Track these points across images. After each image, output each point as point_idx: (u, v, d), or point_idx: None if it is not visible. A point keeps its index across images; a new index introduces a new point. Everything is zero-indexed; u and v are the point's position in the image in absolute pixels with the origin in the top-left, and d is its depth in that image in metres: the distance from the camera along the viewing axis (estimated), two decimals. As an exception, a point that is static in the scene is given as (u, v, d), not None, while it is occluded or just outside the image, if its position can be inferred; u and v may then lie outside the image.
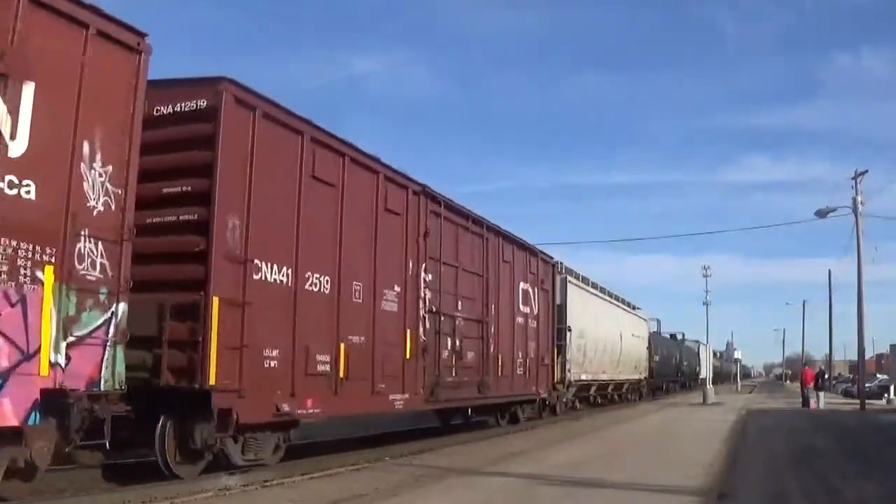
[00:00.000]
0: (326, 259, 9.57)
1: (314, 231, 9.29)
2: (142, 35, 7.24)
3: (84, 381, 6.51)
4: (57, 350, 6.21)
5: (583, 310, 23.27)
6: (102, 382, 6.66)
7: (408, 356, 11.37)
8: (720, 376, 77.62)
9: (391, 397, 10.93)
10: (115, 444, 8.01)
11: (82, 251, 6.52)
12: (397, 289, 11.21)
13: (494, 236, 15.37)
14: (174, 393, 7.79)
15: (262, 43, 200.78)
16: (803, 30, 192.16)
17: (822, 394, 31.09)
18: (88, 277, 6.56)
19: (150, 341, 7.71)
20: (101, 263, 6.70)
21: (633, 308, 34.49)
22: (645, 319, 36.78)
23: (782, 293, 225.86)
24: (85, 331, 6.50)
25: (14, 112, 5.98)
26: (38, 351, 6.04)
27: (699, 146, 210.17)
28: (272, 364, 8.44)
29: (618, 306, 30.67)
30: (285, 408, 8.59)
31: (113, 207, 6.87)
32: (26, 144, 6.07)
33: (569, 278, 22.28)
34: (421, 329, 11.86)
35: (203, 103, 8.12)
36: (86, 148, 6.64)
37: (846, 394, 44.44)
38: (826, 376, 40.67)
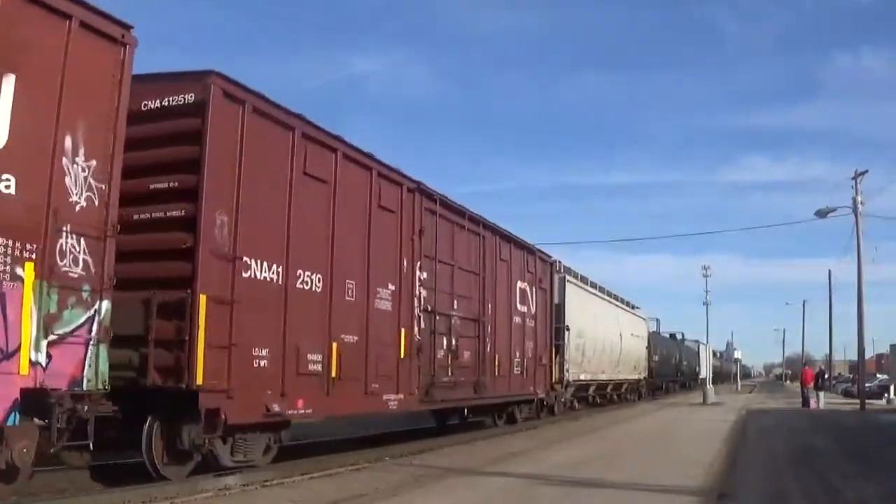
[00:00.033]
0: (318, 257, 9.40)
1: (306, 228, 9.13)
2: (127, 27, 7.09)
3: (66, 381, 6.36)
4: (37, 349, 6.06)
5: (581, 309, 23.11)
6: (85, 382, 6.52)
7: (402, 356, 11.21)
8: (720, 376, 77.52)
9: (385, 397, 10.77)
10: (103, 445, 7.91)
11: (64, 247, 6.37)
12: (391, 287, 11.05)
13: (491, 235, 15.21)
14: (161, 393, 7.63)
15: (262, 43, 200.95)
16: (803, 30, 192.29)
17: (822, 394, 31.03)
18: (70, 274, 6.41)
19: (136, 340, 7.57)
20: (84, 260, 6.55)
21: (633, 307, 34.32)
22: (644, 319, 36.61)
23: (782, 293, 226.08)
24: (67, 329, 6.35)
25: (-7, 104, 5.84)
26: (17, 349, 5.89)
27: (699, 146, 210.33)
28: (262, 363, 8.28)
29: (617, 306, 30.51)
30: (275, 408, 8.42)
31: (96, 203, 6.72)
32: (6, 138, 5.93)
33: (567, 277, 22.10)
34: (416, 328, 11.70)
35: (191, 97, 7.97)
36: (68, 142, 6.49)
37: (846, 394, 44.35)
38: (826, 376, 40.60)
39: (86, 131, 6.66)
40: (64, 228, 6.36)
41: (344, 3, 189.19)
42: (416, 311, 11.79)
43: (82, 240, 6.53)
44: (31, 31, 6.18)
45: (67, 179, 6.47)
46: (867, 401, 28.78)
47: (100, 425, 7.42)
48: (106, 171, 6.83)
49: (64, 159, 6.44)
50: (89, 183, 6.67)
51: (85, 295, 6.54)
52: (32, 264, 6.03)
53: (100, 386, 6.62)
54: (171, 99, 8.09)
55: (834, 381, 53.59)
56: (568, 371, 21.06)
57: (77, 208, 6.53)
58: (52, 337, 6.18)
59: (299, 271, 8.99)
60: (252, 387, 8.11)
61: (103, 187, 6.79)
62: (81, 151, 6.61)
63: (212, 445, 8.00)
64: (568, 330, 21.18)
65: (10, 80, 5.99)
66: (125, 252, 7.52)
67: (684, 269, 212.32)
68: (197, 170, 7.76)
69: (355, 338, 10.02)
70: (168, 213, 7.86)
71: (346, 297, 9.93)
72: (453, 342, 13.04)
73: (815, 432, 17.45)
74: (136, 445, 7.85)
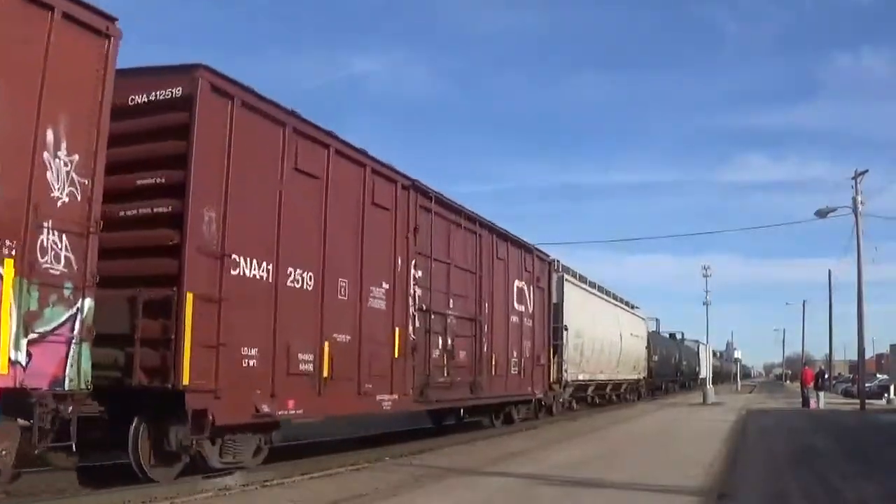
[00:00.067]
0: (310, 254, 9.24)
1: (297, 225, 8.97)
2: (111, 19, 6.94)
3: (47, 381, 6.20)
4: (17, 347, 5.90)
5: (580, 309, 22.93)
6: (67, 382, 6.35)
7: (396, 355, 11.04)
8: (720, 376, 77.40)
9: (379, 398, 10.60)
10: (90, 446, 7.78)
11: (45, 244, 6.21)
12: (385, 286, 10.89)
13: (488, 233, 15.05)
14: (148, 393, 7.48)
15: (262, 43, 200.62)
16: (803, 30, 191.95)
17: (822, 394, 30.97)
18: (52, 271, 6.25)
19: (122, 339, 7.42)
20: (66, 257, 6.40)
21: (632, 307, 34.15)
22: (644, 319, 36.44)
23: (782, 293, 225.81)
24: (48, 327, 6.19)
25: (-29, 97, 5.69)
26: (-5, 348, 5.72)
27: (699, 146, 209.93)
28: (251, 363, 8.11)
29: (616, 305, 30.35)
30: (265, 409, 8.26)
31: (79, 198, 6.56)
32: (-16, 131, 5.77)
33: (565, 276, 21.92)
34: (410, 327, 11.54)
35: (178, 91, 7.80)
36: (50, 136, 6.34)
37: (846, 394, 44.25)
38: (826, 376, 40.51)
39: (68, 125, 6.51)
40: (45, 224, 6.20)
41: (344, 3, 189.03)
42: (411, 309, 11.63)
43: (64, 236, 6.38)
44: (12, 23, 6.03)
45: (49, 174, 6.31)
46: (867, 401, 28.72)
47: (86, 426, 7.34)
48: (89, 165, 6.67)
49: (45, 154, 6.28)
50: (72, 178, 6.51)
51: (67, 292, 6.38)
52: (12, 261, 5.88)
53: (82, 386, 6.46)
54: (158, 93, 7.92)
55: (834, 381, 53.49)
56: (566, 371, 20.88)
57: (59, 204, 6.37)
58: (32, 335, 6.02)
59: (290, 269, 8.82)
60: (241, 387, 7.94)
61: (86, 182, 6.63)
62: (63, 146, 6.45)
63: (200, 446, 7.83)
64: (566, 329, 21.00)
65: (-11, 73, 5.84)
66: (111, 249, 7.38)
67: (684, 269, 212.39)
68: (184, 165, 7.59)
69: (348, 337, 9.86)
70: (155, 210, 7.69)
71: (339, 296, 9.76)
72: (449, 342, 12.88)
73: (815, 432, 17.41)
74: (123, 446, 7.70)
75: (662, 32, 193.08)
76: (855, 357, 38.39)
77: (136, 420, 7.61)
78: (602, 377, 26.25)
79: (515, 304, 16.40)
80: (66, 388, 6.34)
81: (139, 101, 8.00)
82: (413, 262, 11.72)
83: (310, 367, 9.04)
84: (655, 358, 37.87)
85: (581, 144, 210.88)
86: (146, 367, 7.35)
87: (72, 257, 6.43)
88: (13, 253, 5.89)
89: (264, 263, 8.42)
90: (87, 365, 6.51)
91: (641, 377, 34.25)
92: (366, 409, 10.60)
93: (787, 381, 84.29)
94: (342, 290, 9.83)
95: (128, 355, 7.39)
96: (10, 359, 5.83)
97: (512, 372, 16.03)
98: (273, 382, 8.40)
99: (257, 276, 8.31)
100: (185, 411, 7.36)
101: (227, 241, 7.87)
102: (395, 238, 11.26)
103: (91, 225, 6.60)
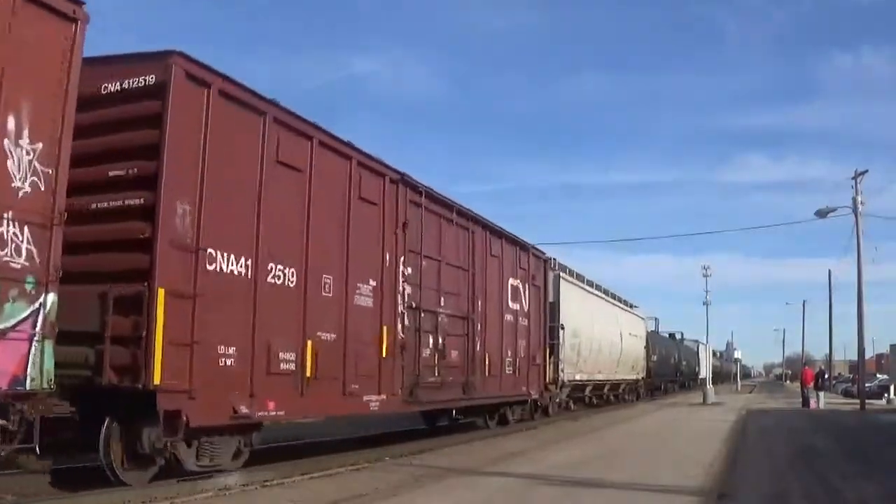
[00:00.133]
0: (292, 250, 8.92)
1: (278, 219, 8.65)
2: (78, 2, 6.62)
3: (7, 380, 5.89)
4: (-26, 345, 5.60)
5: (577, 307, 22.62)
6: (28, 381, 6.04)
7: (384, 354, 10.71)
8: (720, 376, 77.08)
9: (366, 398, 10.28)
10: (62, 447, 7.49)
11: (5, 236, 5.91)
12: (373, 283, 10.57)
13: (481, 229, 14.73)
14: (119, 393, 7.15)
15: (262, 43, 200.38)
16: (803, 29, 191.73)
17: (822, 394, 30.81)
18: (12, 265, 5.94)
19: (92, 337, 7.10)
20: (28, 250, 6.08)
21: (631, 307, 33.82)
22: (642, 318, 36.11)
23: (782, 293, 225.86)
24: (8, 324, 5.88)
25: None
26: (-50, 346, 5.43)
27: (699, 146, 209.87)
28: (228, 362, 7.78)
29: (614, 304, 30.02)
30: (243, 409, 7.93)
31: (42, 188, 6.24)
32: (-62, 117, 5.47)
33: (562, 275, 21.62)
34: (399, 326, 11.22)
35: (151, 79, 7.48)
36: (11, 123, 6.03)
37: (846, 394, 44.05)
38: (826, 376, 40.29)
39: (31, 112, 6.20)
40: (5, 215, 5.90)
41: (344, 3, 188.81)
42: (400, 307, 11.31)
43: (26, 228, 6.06)
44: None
45: (10, 163, 6.00)
46: (867, 401, 28.61)
47: (57, 426, 7.04)
48: (53, 154, 6.35)
49: (6, 141, 5.98)
50: (34, 167, 6.20)
51: (29, 287, 6.06)
52: (-32, 254, 5.58)
53: (45, 385, 6.14)
54: (131, 81, 7.60)
55: (834, 381, 53.28)
56: (563, 371, 20.56)
57: (20, 194, 6.06)
58: (-10, 332, 5.71)
59: (271, 265, 8.50)
60: (217, 387, 7.62)
61: (50, 172, 6.31)
62: (26, 133, 6.14)
63: (174, 449, 7.50)
64: (563, 329, 20.69)
65: (-56, 56, 5.54)
66: (82, 243, 7.14)
67: (684, 269, 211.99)
68: (157, 155, 7.27)
69: (333, 335, 9.54)
70: (126, 202, 7.37)
71: (323, 293, 9.44)
72: (440, 341, 12.56)
73: (815, 432, 17.32)
74: (96, 448, 7.37)
75: (662, 32, 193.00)
76: (855, 357, 38.16)
77: (107, 421, 7.28)
78: (600, 377, 25.92)
79: (510, 303, 16.07)
80: (28, 387, 6.03)
81: (112, 89, 7.69)
82: (402, 258, 11.41)
83: (292, 366, 8.71)
84: (654, 358, 37.54)
85: (581, 144, 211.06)
86: (116, 365, 7.02)
87: (34, 250, 6.12)
88: (-31, 245, 5.60)
89: (243, 259, 8.10)
90: (49, 363, 6.19)
91: (640, 377, 33.92)
92: (352, 409, 10.28)
93: (787, 381, 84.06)
94: (326, 286, 9.51)
95: (98, 353, 7.06)
96: (-35, 357, 5.53)
97: (506, 372, 15.70)
98: (252, 382, 8.08)
99: (235, 272, 7.99)
100: (157, 412, 7.04)
101: (202, 234, 7.55)
102: (382, 233, 10.94)
103: (55, 216, 6.29)
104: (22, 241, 6.03)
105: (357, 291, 10.16)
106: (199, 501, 7.05)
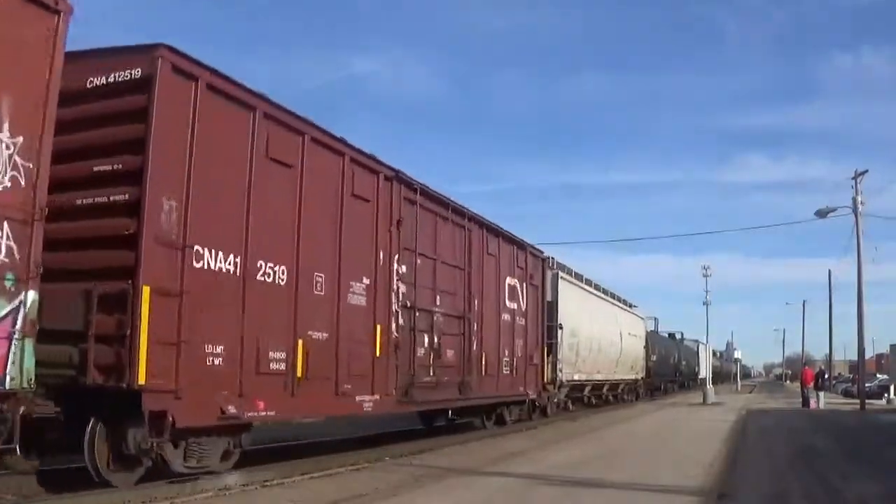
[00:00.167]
0: (283, 247, 8.76)
1: (268, 216, 8.49)
2: (61, -7, 6.47)
3: (-15, 379, 5.74)
4: (-50, 343, 5.45)
5: (575, 307, 22.46)
6: (8, 380, 5.88)
7: (378, 354, 10.56)
8: (720, 376, 76.94)
9: (359, 398, 10.12)
10: (47, 448, 7.35)
11: (-17, 232, 5.75)
12: (366, 281, 10.41)
13: (478, 228, 14.57)
14: (104, 393, 7.00)
15: (261, 43, 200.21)
16: (803, 30, 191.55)
17: (822, 394, 30.73)
18: (-9, 261, 5.78)
19: (76, 335, 6.95)
20: (8, 246, 5.93)
21: (630, 306, 33.67)
22: (642, 318, 35.96)
23: (782, 293, 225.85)
24: (-14, 321, 5.73)
25: None
26: (-75, 344, 5.28)
27: (699, 146, 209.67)
28: (216, 361, 7.62)
29: (613, 304, 29.86)
30: (232, 410, 7.77)
31: (23, 183, 6.09)
32: (-86, 109, 5.32)
33: (560, 274, 21.46)
34: (393, 325, 11.06)
35: (137, 73, 7.32)
36: (-10, 116, 5.87)
37: (846, 394, 43.96)
38: (826, 376, 40.17)
39: (12, 105, 6.04)
40: (-17, 211, 5.75)
41: (344, 3, 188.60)
42: (394, 306, 11.15)
43: (6, 223, 5.91)
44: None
45: (-11, 157, 5.85)
46: (867, 401, 28.57)
47: (42, 426, 6.92)
48: (34, 148, 6.19)
49: (-15, 135, 5.83)
50: (14, 161, 6.04)
51: (8, 284, 5.90)
52: (-55, 250, 5.43)
53: (25, 384, 5.99)
54: (117, 75, 7.44)
55: (834, 381, 53.20)
56: (561, 371, 20.41)
57: (0, 188, 5.91)
58: (-32, 331, 5.57)
59: (260, 262, 8.34)
60: (204, 387, 7.45)
61: (31, 166, 6.16)
62: (6, 126, 5.98)
63: (161, 450, 7.34)
64: (561, 328, 20.53)
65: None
66: (67, 240, 7.03)
67: (684, 269, 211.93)
68: (142, 150, 7.11)
69: (325, 335, 9.38)
70: (111, 198, 7.21)
71: (315, 291, 9.28)
72: (435, 340, 12.40)
73: (815, 432, 17.27)
74: (81, 448, 7.23)
75: (662, 32, 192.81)
76: (855, 357, 38.03)
77: (92, 421, 7.13)
78: (599, 377, 25.77)
79: (507, 302, 15.92)
80: (7, 387, 5.88)
81: (97, 83, 7.53)
82: (396, 256, 11.25)
83: (282, 366, 8.55)
84: (654, 358, 37.40)
85: (581, 144, 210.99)
86: (101, 365, 6.87)
87: (14, 246, 5.96)
88: (-54, 241, 5.45)
89: (231, 256, 7.94)
90: (30, 362, 6.04)
91: (640, 377, 33.77)
92: (344, 410, 10.12)
93: (787, 381, 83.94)
94: (318, 285, 9.36)
95: (82, 352, 6.91)
96: (-58, 356, 5.38)
97: (503, 371, 15.55)
98: (241, 382, 7.92)
99: (224, 270, 7.84)
100: (143, 412, 6.88)
101: (189, 231, 7.39)
102: (376, 231, 10.78)
103: (36, 212, 6.13)
104: (1, 237, 5.88)
105: (350, 290, 10.00)
106: (199, 501, 7.01)
